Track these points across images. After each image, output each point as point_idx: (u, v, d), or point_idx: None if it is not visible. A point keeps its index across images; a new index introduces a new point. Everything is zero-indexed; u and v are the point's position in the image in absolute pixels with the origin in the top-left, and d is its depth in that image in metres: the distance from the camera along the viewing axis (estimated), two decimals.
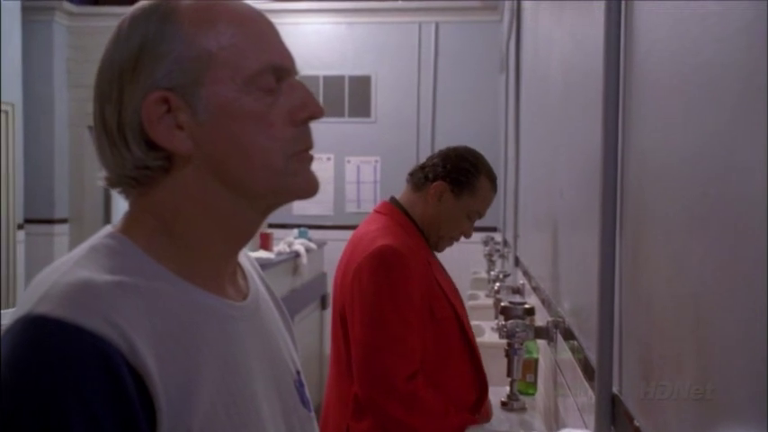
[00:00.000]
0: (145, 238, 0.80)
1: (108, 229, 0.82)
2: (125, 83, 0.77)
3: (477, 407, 1.97)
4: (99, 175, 0.83)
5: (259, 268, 1.01)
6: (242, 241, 0.86)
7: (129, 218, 0.82)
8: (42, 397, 0.66)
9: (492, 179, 2.06)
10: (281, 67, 0.82)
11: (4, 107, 5.71)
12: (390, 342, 1.81)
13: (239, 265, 0.92)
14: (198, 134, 0.78)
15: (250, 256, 1.01)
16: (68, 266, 0.75)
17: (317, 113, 0.83)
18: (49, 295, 0.71)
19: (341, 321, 1.92)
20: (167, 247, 0.80)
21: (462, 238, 2.10)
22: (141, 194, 0.81)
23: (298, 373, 0.95)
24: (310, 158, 0.84)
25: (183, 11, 0.78)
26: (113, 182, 0.81)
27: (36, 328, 0.69)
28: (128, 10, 0.81)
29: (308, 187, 0.84)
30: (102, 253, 0.77)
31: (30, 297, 0.73)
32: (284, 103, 0.81)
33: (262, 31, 0.82)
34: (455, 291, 2.05)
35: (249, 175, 0.80)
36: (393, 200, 2.06)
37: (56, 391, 0.66)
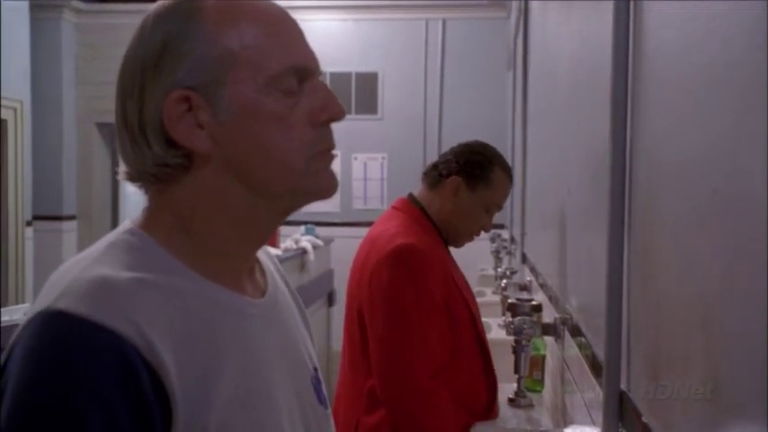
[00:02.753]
0: (164, 234, 0.80)
1: (127, 224, 0.82)
2: (147, 80, 0.77)
3: (489, 408, 1.96)
4: (120, 170, 0.83)
5: (278, 264, 1.01)
6: (259, 241, 0.87)
7: (148, 214, 0.82)
8: (59, 393, 0.67)
9: (507, 170, 2.05)
10: (303, 68, 0.81)
11: (12, 104, 5.72)
12: (413, 340, 1.81)
13: (258, 260, 0.92)
14: (218, 134, 0.78)
15: (269, 251, 1.00)
16: (88, 262, 0.75)
17: (337, 115, 0.82)
18: (69, 291, 0.71)
19: (358, 318, 1.91)
20: (185, 243, 0.80)
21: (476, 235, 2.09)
22: (160, 191, 0.81)
23: (315, 369, 0.95)
24: (331, 158, 0.84)
25: (207, 10, 0.78)
26: (133, 177, 0.81)
27: (55, 324, 0.69)
28: (135, 6, 0.82)
29: (328, 187, 0.84)
30: (121, 249, 0.77)
31: (49, 292, 0.73)
32: (305, 104, 0.81)
33: (286, 31, 0.82)
34: (469, 289, 2.05)
35: (269, 175, 0.80)
36: (411, 196, 2.05)
37: (72, 386, 0.67)
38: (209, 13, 0.78)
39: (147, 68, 0.77)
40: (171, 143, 0.77)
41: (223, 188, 0.80)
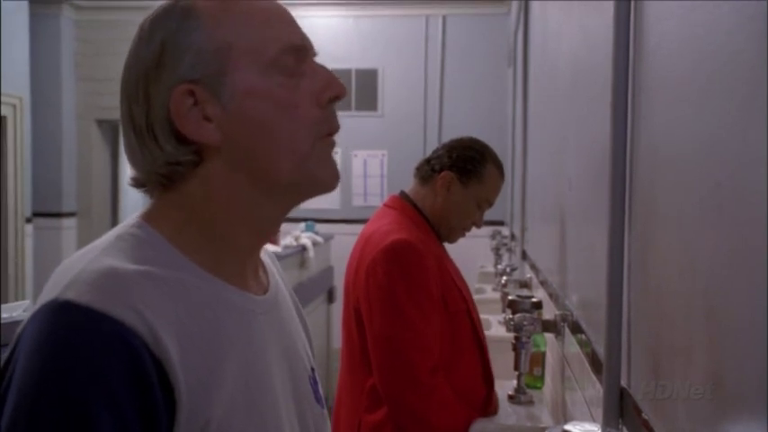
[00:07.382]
0: (171, 229, 0.80)
1: (134, 218, 0.83)
2: (150, 81, 0.78)
3: (487, 402, 1.96)
4: (129, 174, 0.84)
5: (278, 264, 1.02)
6: (264, 237, 0.87)
7: (156, 209, 0.83)
8: (65, 383, 0.67)
9: (499, 166, 2.05)
10: (299, 46, 0.83)
11: (11, 100, 5.72)
12: (412, 335, 1.81)
13: (260, 259, 0.92)
14: (225, 124, 0.79)
15: (269, 251, 1.01)
16: (95, 254, 0.76)
17: (341, 93, 0.84)
18: (76, 282, 0.71)
19: (355, 317, 1.91)
20: (192, 239, 0.81)
21: (471, 231, 2.09)
22: (167, 189, 0.82)
23: (312, 369, 0.95)
24: (333, 144, 0.85)
25: (201, 6, 0.80)
26: (141, 182, 0.82)
27: (61, 314, 0.69)
28: (135, 3, 0.82)
29: (331, 178, 0.85)
30: (128, 242, 0.78)
31: (56, 284, 0.73)
32: (308, 85, 0.82)
33: (277, 15, 0.84)
34: (465, 284, 2.05)
35: (275, 162, 0.80)
36: (403, 194, 2.06)
37: (78, 377, 0.67)
38: (202, 10, 0.80)
39: (150, 69, 0.78)
40: (181, 140, 0.78)
41: (231, 182, 0.80)
